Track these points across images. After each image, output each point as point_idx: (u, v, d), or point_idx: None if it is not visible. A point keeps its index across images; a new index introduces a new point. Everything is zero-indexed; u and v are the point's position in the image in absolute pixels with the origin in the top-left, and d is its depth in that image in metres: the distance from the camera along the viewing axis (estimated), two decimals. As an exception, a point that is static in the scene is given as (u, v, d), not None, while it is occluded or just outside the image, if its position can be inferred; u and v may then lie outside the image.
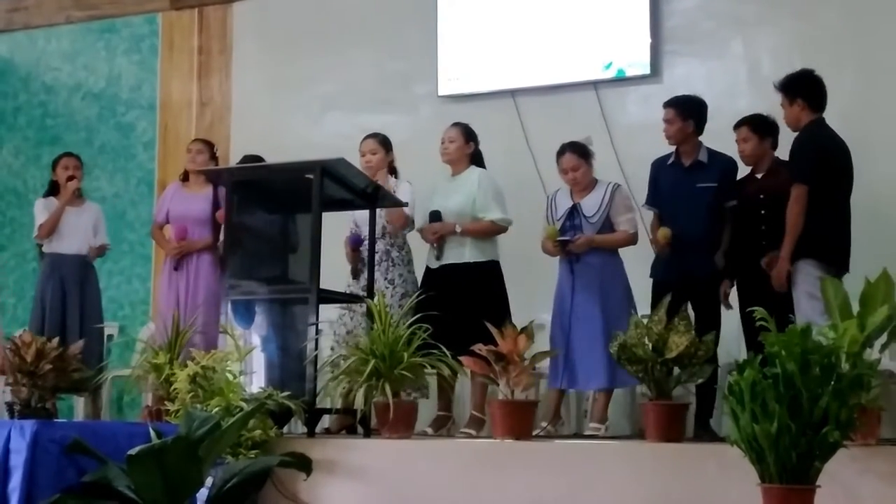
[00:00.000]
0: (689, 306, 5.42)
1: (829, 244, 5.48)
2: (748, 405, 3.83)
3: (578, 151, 6.21)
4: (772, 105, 6.05)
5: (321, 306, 5.75)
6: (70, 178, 7.38)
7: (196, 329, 6.11)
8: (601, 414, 6.10)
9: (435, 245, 6.31)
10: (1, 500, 4.60)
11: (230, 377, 5.41)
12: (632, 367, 5.19)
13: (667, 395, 5.14)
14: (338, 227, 6.46)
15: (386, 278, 6.36)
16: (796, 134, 5.71)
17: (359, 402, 5.43)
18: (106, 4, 9.19)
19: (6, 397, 5.82)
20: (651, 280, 6.19)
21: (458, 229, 6.25)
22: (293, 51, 8.51)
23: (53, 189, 7.52)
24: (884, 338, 4.34)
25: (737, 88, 7.25)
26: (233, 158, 7.94)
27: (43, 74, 9.39)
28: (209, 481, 4.85)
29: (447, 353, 5.44)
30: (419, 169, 6.73)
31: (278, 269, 6.33)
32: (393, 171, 6.60)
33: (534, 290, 6.47)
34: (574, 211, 6.23)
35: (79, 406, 7.58)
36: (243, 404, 5.26)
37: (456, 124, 6.50)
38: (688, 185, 6.15)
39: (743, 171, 6.22)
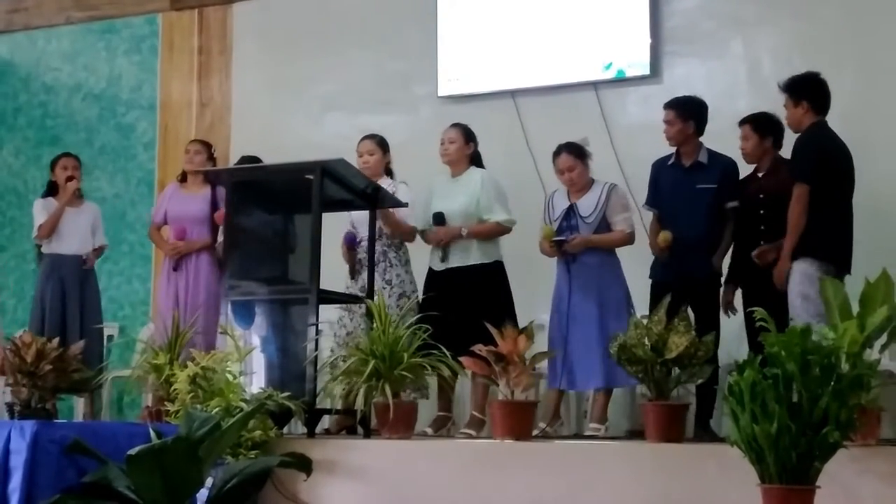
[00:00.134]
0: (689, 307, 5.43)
1: (830, 244, 5.48)
2: (748, 405, 3.83)
3: (574, 152, 6.22)
4: (771, 105, 6.05)
5: (321, 307, 5.75)
6: (69, 179, 7.39)
7: (196, 330, 6.11)
8: (601, 414, 6.10)
9: (440, 248, 6.30)
10: (1, 501, 4.60)
11: (230, 378, 5.41)
12: (632, 368, 5.19)
13: (666, 395, 5.14)
14: (337, 228, 6.46)
15: (384, 279, 6.36)
16: (798, 134, 5.71)
17: (359, 403, 5.43)
18: (106, 5, 9.19)
19: (6, 398, 5.82)
20: (649, 280, 6.19)
21: (465, 233, 6.26)
22: (293, 51, 8.51)
23: (52, 189, 7.53)
24: (883, 338, 4.34)
25: (737, 88, 7.25)
26: (233, 159, 7.94)
27: (43, 75, 9.39)
28: (209, 482, 4.85)
29: (447, 353, 5.43)
30: (419, 169, 6.72)
31: (278, 269, 6.32)
32: (389, 172, 6.60)
33: (534, 291, 6.47)
34: (570, 211, 6.23)
35: (79, 406, 7.58)
36: (243, 405, 5.27)
37: (455, 125, 6.50)
38: (688, 185, 6.15)
39: (746, 169, 6.21)
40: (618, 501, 4.69)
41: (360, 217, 6.41)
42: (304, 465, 5.12)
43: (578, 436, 6.34)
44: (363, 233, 6.41)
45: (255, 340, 5.94)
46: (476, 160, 6.49)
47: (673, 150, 6.28)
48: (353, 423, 5.98)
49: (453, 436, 6.13)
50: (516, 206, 6.43)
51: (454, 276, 6.25)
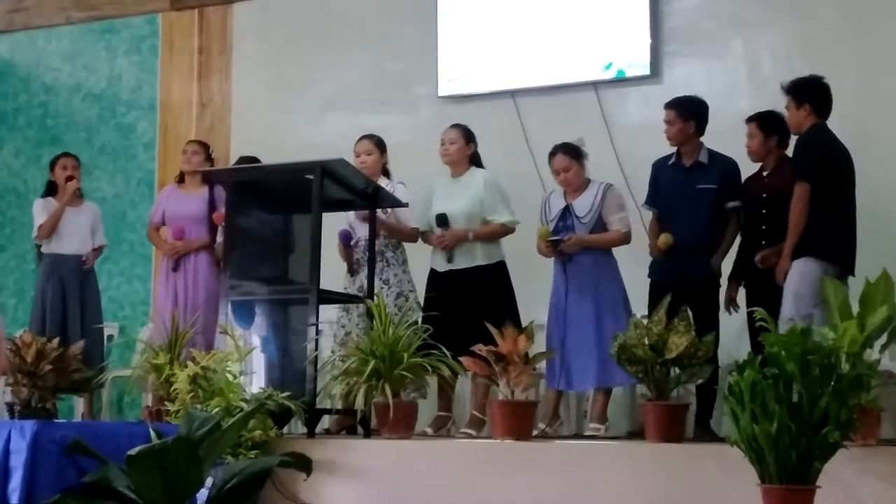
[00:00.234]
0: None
1: (831, 244, 5.48)
2: (748, 405, 3.83)
3: (570, 152, 6.22)
4: (771, 105, 6.06)
5: (321, 307, 5.75)
6: (69, 179, 7.40)
7: (196, 329, 6.12)
8: (601, 414, 6.10)
9: (444, 250, 6.30)
10: (1, 501, 4.60)
11: (230, 378, 5.41)
12: (632, 368, 5.19)
13: (666, 395, 5.14)
14: (336, 228, 6.46)
15: (381, 278, 6.35)
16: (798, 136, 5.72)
17: (359, 403, 5.43)
18: (106, 5, 9.18)
19: (6, 398, 5.83)
20: (647, 280, 6.19)
21: (471, 237, 6.26)
22: (293, 51, 8.51)
23: (51, 189, 7.54)
24: (883, 338, 4.35)
25: (737, 89, 7.24)
26: (233, 159, 7.94)
27: (43, 75, 9.39)
28: (209, 481, 4.85)
29: (447, 353, 5.43)
30: (419, 170, 6.72)
31: (278, 269, 6.32)
32: (386, 172, 6.59)
33: (534, 291, 6.46)
34: (567, 211, 6.24)
35: (79, 406, 7.58)
36: (243, 405, 5.27)
37: (455, 125, 6.50)
38: (688, 185, 6.15)
39: (748, 169, 6.21)
40: (618, 501, 4.69)
41: (357, 217, 6.42)
42: (304, 465, 5.12)
43: (578, 436, 6.33)
44: (360, 232, 6.41)
45: (255, 340, 5.94)
46: (476, 160, 6.50)
47: (673, 149, 6.28)
48: (353, 423, 5.98)
49: (453, 436, 6.13)
50: (516, 206, 6.43)
51: (458, 278, 6.25)
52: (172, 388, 5.52)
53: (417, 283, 6.45)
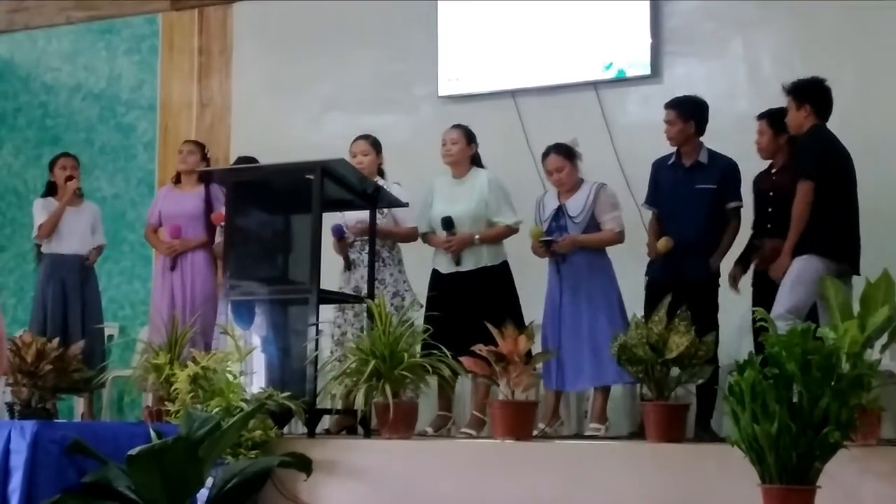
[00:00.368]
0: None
1: (832, 242, 5.48)
2: (749, 406, 3.83)
3: (563, 152, 6.23)
4: (771, 105, 6.05)
5: (321, 307, 5.75)
6: (69, 179, 7.40)
7: (195, 329, 6.12)
8: (601, 414, 6.10)
9: (450, 251, 6.30)
10: (1, 501, 4.60)
11: (230, 378, 5.41)
12: (632, 368, 5.19)
13: (666, 395, 5.13)
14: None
15: (377, 278, 6.34)
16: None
17: (359, 403, 5.43)
18: (106, 5, 9.18)
19: (6, 398, 5.83)
20: (644, 279, 6.19)
21: (477, 240, 6.26)
22: (293, 51, 8.50)
23: (51, 189, 7.55)
24: (884, 338, 4.35)
25: (737, 89, 7.24)
26: (233, 159, 7.93)
27: (43, 75, 9.39)
28: (209, 482, 4.86)
29: (447, 353, 5.43)
30: (419, 170, 6.72)
31: (278, 269, 6.32)
32: (381, 173, 6.59)
33: (534, 292, 6.46)
34: (560, 211, 6.24)
35: (79, 406, 7.59)
36: (243, 405, 5.27)
37: (457, 126, 6.50)
38: (687, 185, 6.15)
39: (753, 166, 6.20)
40: (618, 501, 4.69)
41: (352, 216, 6.42)
42: (304, 465, 5.12)
43: (579, 436, 6.33)
44: (352, 221, 6.40)
45: (256, 340, 5.93)
46: (477, 161, 6.50)
47: (673, 149, 6.28)
48: (353, 423, 5.98)
49: (453, 436, 6.13)
50: (517, 206, 6.42)
51: (464, 279, 6.26)
52: (173, 388, 5.52)
53: (416, 283, 6.44)
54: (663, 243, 6.06)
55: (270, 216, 6.44)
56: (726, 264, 6.17)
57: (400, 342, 5.42)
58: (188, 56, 8.93)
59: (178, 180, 7.41)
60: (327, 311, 6.27)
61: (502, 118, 7.66)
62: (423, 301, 6.27)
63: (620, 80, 7.58)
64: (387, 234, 6.42)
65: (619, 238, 6.23)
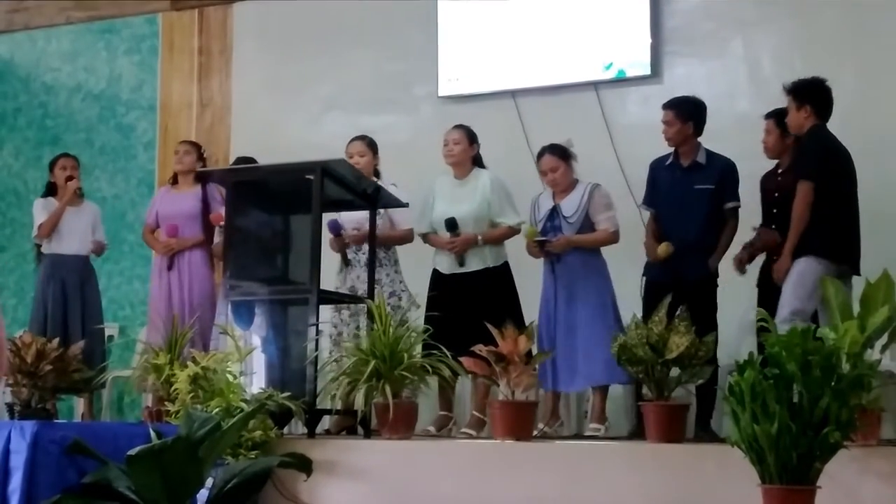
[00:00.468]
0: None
1: (833, 242, 5.47)
2: (749, 406, 3.83)
3: (557, 153, 6.24)
4: (772, 106, 6.05)
5: (321, 307, 5.75)
6: (69, 179, 7.40)
7: (194, 330, 6.12)
8: (600, 414, 6.10)
9: (454, 252, 6.30)
10: (1, 501, 4.60)
11: (230, 378, 5.41)
12: (632, 368, 5.19)
13: (667, 395, 5.13)
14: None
15: (368, 278, 6.34)
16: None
17: (359, 403, 5.43)
18: (106, 5, 9.17)
19: (6, 398, 5.82)
20: (640, 279, 6.18)
21: (481, 241, 6.27)
22: (293, 51, 8.50)
23: (51, 190, 7.55)
24: (884, 338, 4.34)
25: (737, 89, 7.24)
26: (233, 159, 7.93)
27: (43, 75, 9.39)
28: (209, 482, 4.86)
29: (447, 353, 5.43)
30: (419, 170, 6.72)
31: (278, 269, 6.32)
32: (377, 174, 6.58)
33: (533, 292, 6.46)
34: (554, 212, 6.25)
35: (79, 407, 7.59)
36: (243, 405, 5.26)
37: (459, 126, 6.49)
38: (686, 186, 6.15)
39: (753, 166, 6.20)
40: (618, 501, 4.69)
41: (349, 216, 6.42)
42: (304, 465, 5.12)
43: (579, 436, 6.33)
44: (348, 227, 6.40)
45: (255, 341, 5.93)
46: (478, 161, 6.50)
47: (670, 149, 6.27)
48: (353, 424, 5.98)
49: (454, 436, 6.12)
50: (517, 206, 6.42)
51: (467, 280, 6.26)
52: (172, 389, 5.51)
53: (414, 283, 6.44)
54: (664, 249, 6.04)
55: (270, 216, 6.44)
56: (728, 259, 6.16)
57: (400, 342, 5.42)
58: (188, 56, 8.93)
59: (175, 181, 7.43)
60: (325, 312, 6.26)
61: (502, 118, 7.65)
62: (421, 301, 6.27)
63: (620, 81, 7.57)
64: (383, 239, 6.42)
65: (613, 238, 6.23)
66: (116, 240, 8.49)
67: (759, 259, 6.08)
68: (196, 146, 7.52)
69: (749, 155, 6.25)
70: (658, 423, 5.09)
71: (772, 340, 3.94)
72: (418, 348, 5.57)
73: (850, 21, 6.99)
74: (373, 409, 5.54)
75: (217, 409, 5.20)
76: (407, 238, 6.54)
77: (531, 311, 6.27)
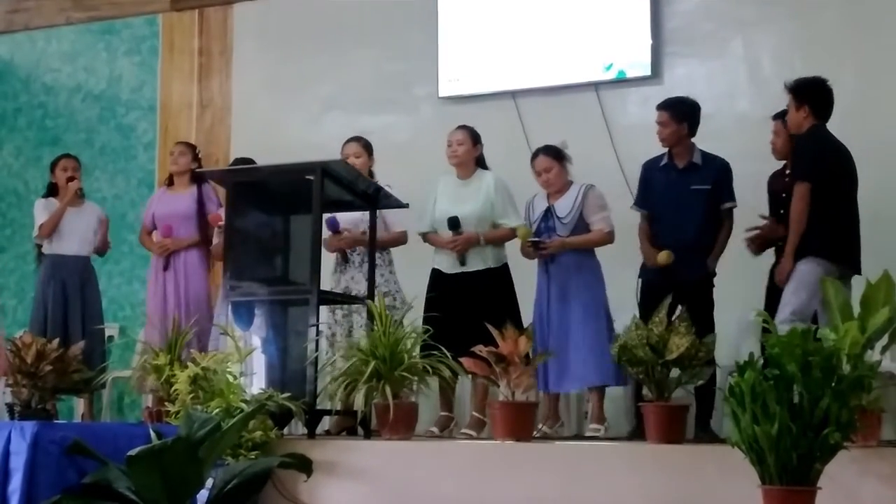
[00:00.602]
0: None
1: (833, 243, 5.47)
2: (749, 406, 3.83)
3: (551, 153, 6.25)
4: (772, 106, 6.06)
5: (321, 308, 5.75)
6: (70, 180, 7.41)
7: (194, 330, 6.12)
8: (599, 415, 6.10)
9: (456, 251, 6.30)
10: (1, 502, 4.60)
11: (230, 378, 5.41)
12: (633, 369, 5.19)
13: (667, 396, 5.13)
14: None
15: (367, 279, 6.34)
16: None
17: (359, 404, 5.43)
18: (106, 6, 9.18)
19: (6, 398, 5.82)
20: (635, 280, 6.17)
21: (482, 241, 6.27)
22: (293, 52, 8.51)
23: (52, 191, 7.55)
24: (885, 339, 4.34)
25: (737, 89, 7.25)
26: (233, 159, 7.93)
27: (43, 75, 9.39)
28: (209, 482, 4.85)
29: (447, 353, 5.43)
30: (419, 170, 6.72)
31: (278, 270, 6.32)
32: (371, 175, 6.58)
33: (529, 293, 6.46)
34: (548, 213, 6.25)
35: (79, 407, 7.59)
36: (243, 405, 5.26)
37: (462, 127, 6.49)
38: (681, 187, 6.14)
39: (753, 166, 6.19)
40: (618, 502, 4.69)
41: (348, 217, 6.42)
42: (304, 465, 5.12)
43: (579, 436, 6.33)
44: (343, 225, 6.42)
45: (255, 341, 5.93)
46: (481, 162, 6.50)
47: (664, 150, 6.27)
48: (353, 424, 5.98)
49: (454, 436, 6.12)
50: (518, 207, 6.42)
51: (468, 280, 6.26)
52: (173, 389, 5.51)
53: (412, 283, 6.43)
54: (664, 257, 6.02)
55: (270, 217, 6.43)
56: (726, 259, 6.16)
57: (400, 343, 5.42)
58: (188, 57, 8.93)
59: (170, 182, 7.44)
60: (324, 313, 6.26)
61: (503, 119, 7.66)
62: (416, 302, 6.25)
63: (621, 81, 7.58)
64: (383, 242, 6.42)
65: (608, 238, 6.23)
66: (117, 240, 8.47)
67: (769, 262, 6.04)
68: (191, 147, 7.54)
69: (749, 155, 6.25)
70: (658, 423, 5.08)
71: (772, 341, 3.94)
72: (418, 349, 5.57)
73: (850, 21, 6.99)
74: (373, 410, 5.54)
75: (217, 410, 5.20)
76: (400, 240, 6.56)
77: (526, 312, 6.27)
